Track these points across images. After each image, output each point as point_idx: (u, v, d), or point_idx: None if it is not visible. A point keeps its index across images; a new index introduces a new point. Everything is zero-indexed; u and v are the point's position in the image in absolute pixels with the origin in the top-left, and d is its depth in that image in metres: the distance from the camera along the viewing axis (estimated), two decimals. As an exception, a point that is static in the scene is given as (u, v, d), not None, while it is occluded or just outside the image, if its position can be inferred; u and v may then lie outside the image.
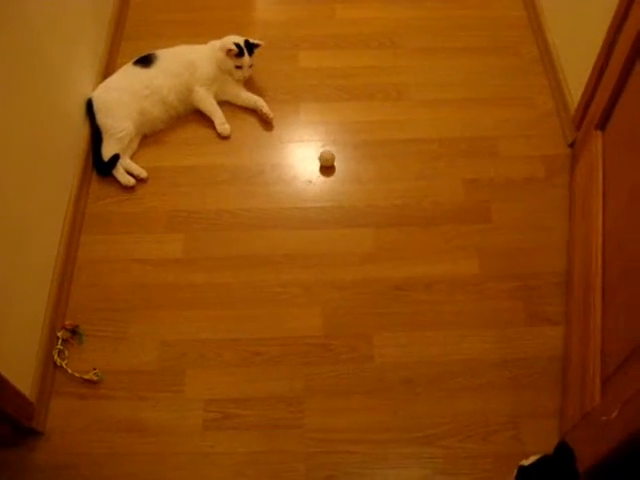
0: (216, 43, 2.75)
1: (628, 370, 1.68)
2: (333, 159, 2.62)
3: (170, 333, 2.27)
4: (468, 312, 2.29)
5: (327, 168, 2.64)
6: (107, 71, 2.85)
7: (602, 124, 2.39)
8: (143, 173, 2.59)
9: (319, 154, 2.62)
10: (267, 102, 2.77)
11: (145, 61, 2.71)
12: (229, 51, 2.70)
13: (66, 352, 2.22)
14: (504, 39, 3.03)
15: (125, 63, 2.78)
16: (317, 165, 2.64)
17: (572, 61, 2.71)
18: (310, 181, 2.60)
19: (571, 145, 2.66)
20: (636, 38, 2.10)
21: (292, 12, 3.17)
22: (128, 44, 3.03)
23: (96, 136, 2.62)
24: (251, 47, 2.74)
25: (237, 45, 2.70)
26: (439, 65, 2.95)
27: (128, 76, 2.70)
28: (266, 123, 2.75)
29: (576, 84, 2.62)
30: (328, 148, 2.66)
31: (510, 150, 2.67)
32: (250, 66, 2.76)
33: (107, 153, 2.58)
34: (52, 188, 2.37)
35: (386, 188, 2.57)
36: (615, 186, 2.17)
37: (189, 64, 2.73)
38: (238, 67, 2.74)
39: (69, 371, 2.17)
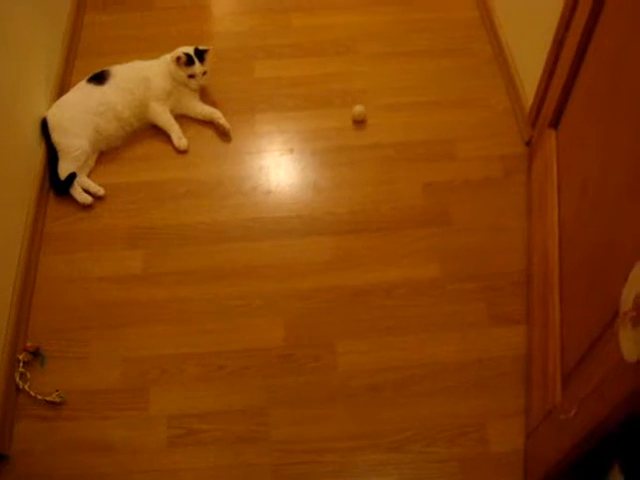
0: (167, 57, 2.74)
1: (586, 366, 1.69)
2: (365, 113, 2.76)
3: (132, 350, 2.25)
4: (430, 315, 2.29)
5: (359, 122, 2.78)
6: (62, 89, 2.83)
7: (555, 122, 2.41)
8: (100, 191, 2.57)
9: (352, 109, 2.76)
10: (224, 114, 2.76)
11: (99, 78, 2.69)
12: (178, 59, 2.69)
13: (28, 374, 2.19)
14: (458, 40, 3.05)
15: (80, 80, 2.76)
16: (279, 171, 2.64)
17: (525, 60, 2.73)
18: (269, 191, 2.59)
19: (528, 143, 2.68)
20: (582, 36, 2.12)
21: (247, 23, 3.16)
22: (82, 62, 3.02)
23: (52, 155, 2.60)
24: (201, 54, 2.73)
25: (186, 54, 2.69)
26: (395, 69, 2.96)
27: (82, 94, 2.69)
28: (223, 135, 2.75)
29: (530, 83, 2.64)
30: (360, 105, 2.78)
31: (468, 151, 2.68)
32: (203, 73, 2.75)
33: (63, 172, 2.56)
34: (9, 209, 2.34)
35: (344, 195, 2.57)
36: (568, 182, 2.19)
37: (143, 79, 2.72)
38: (191, 76, 2.73)
39: (32, 394, 2.15)
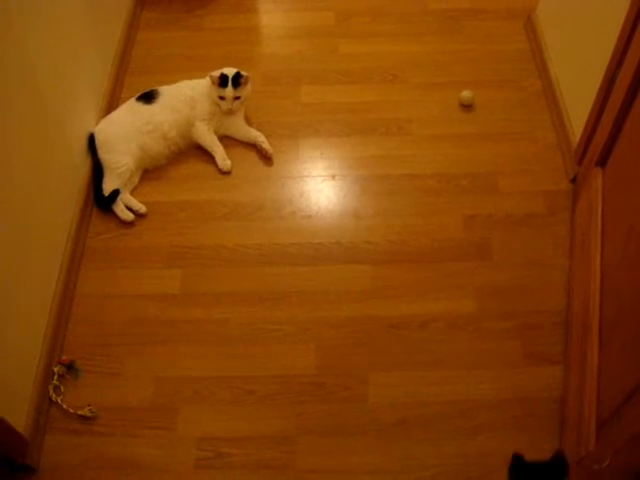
0: None
1: (621, 417, 1.65)
2: (472, 98, 2.90)
3: (165, 369, 2.26)
4: (465, 352, 2.26)
5: (467, 106, 2.90)
6: (110, 106, 2.88)
7: (602, 161, 2.38)
8: (142, 209, 2.60)
9: (460, 94, 2.90)
10: (267, 137, 2.78)
11: (147, 97, 2.73)
12: (212, 79, 2.71)
13: (62, 387, 2.22)
14: (506, 72, 3.03)
15: (129, 98, 2.81)
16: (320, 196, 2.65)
17: (575, 95, 2.70)
18: (309, 216, 2.60)
19: (572, 181, 2.64)
20: (635, 75, 2.09)
21: (295, 47, 3.18)
22: (132, 79, 3.06)
23: (97, 171, 2.64)
24: (237, 79, 2.71)
25: (222, 75, 2.70)
26: (440, 100, 2.94)
27: (130, 112, 2.73)
28: (266, 158, 2.76)
29: (578, 119, 2.60)
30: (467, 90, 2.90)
31: (511, 185, 2.66)
32: (236, 98, 2.73)
33: (107, 188, 2.60)
34: (52, 222, 2.39)
35: (384, 224, 2.56)
36: (613, 226, 2.15)
37: (189, 99, 2.75)
38: (221, 98, 2.73)
39: (64, 407, 2.17)
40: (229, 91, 2.71)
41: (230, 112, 2.77)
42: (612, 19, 2.24)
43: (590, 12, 2.53)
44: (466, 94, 2.89)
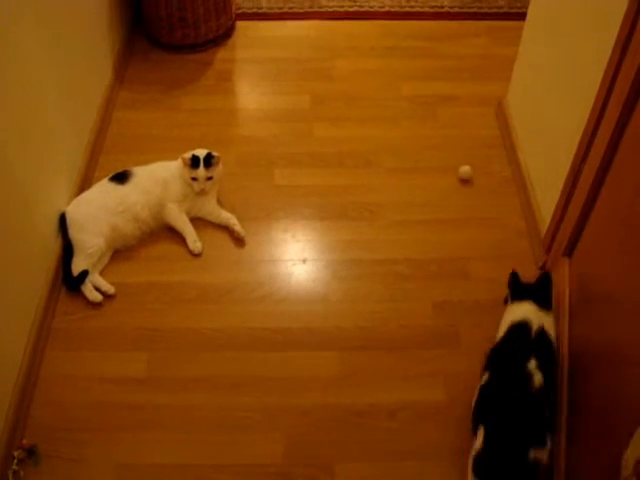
0: None
1: None
2: (471, 173, 2.97)
3: (127, 456, 2.21)
4: (433, 442, 2.23)
5: (465, 181, 2.97)
6: (84, 184, 2.88)
7: (569, 251, 2.41)
8: (111, 290, 2.58)
9: (459, 169, 2.97)
10: (240, 219, 2.79)
11: (120, 178, 2.75)
12: (184, 160, 2.73)
13: (21, 472, 2.15)
14: (477, 159, 3.07)
15: (103, 176, 2.82)
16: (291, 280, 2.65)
17: (543, 183, 2.75)
18: (279, 300, 2.59)
19: (542, 268, 2.66)
20: (598, 170, 2.14)
21: (270, 129, 3.23)
22: (107, 158, 3.08)
23: (67, 250, 2.63)
24: (209, 160, 2.74)
25: (193, 156, 2.73)
26: (412, 185, 2.99)
27: (103, 192, 2.73)
28: (238, 241, 2.77)
29: (547, 207, 2.65)
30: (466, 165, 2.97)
31: (480, 272, 2.68)
32: (208, 178, 2.75)
33: (76, 268, 2.58)
34: (19, 301, 2.36)
35: (354, 309, 2.56)
36: (582, 313, 2.17)
37: (162, 181, 2.77)
38: (193, 179, 2.75)
39: (22, 494, 2.11)
40: (201, 172, 2.73)
41: (203, 192, 2.78)
42: (579, 108, 2.31)
43: (557, 102, 2.61)
44: (464, 169, 2.96)
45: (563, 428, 2.05)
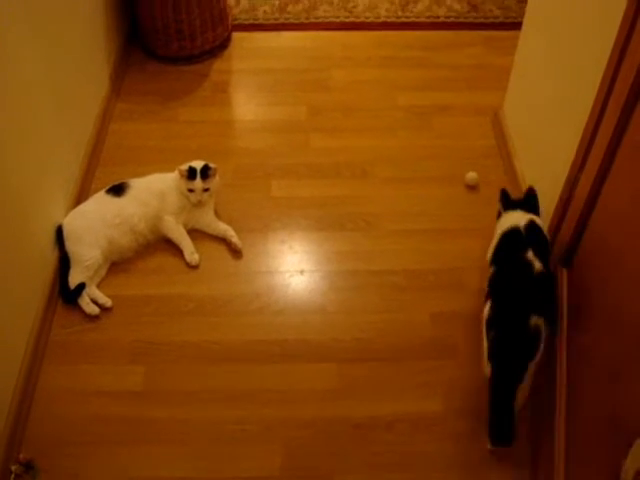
0: None
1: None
2: (477, 179, 2.99)
3: (125, 470, 2.20)
4: (431, 452, 2.23)
5: (472, 187, 2.99)
6: (80, 197, 2.88)
7: (567, 261, 2.41)
8: (108, 302, 2.58)
9: (465, 176, 3.00)
10: (237, 231, 2.79)
11: (117, 190, 2.75)
12: (180, 172, 2.73)
13: (18, 487, 2.15)
14: (474, 168, 3.06)
15: (100, 188, 2.82)
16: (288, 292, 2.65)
17: (540, 192, 2.72)
18: (277, 312, 2.59)
19: (539, 278, 2.66)
20: (595, 179, 2.14)
21: (267, 140, 3.23)
22: (104, 170, 3.08)
23: (64, 263, 2.63)
24: (206, 171, 2.75)
25: (190, 168, 2.73)
26: (409, 195, 2.99)
27: (100, 204, 2.74)
28: (235, 252, 2.77)
29: (544, 216, 2.64)
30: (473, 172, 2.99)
31: (477, 282, 2.67)
32: (205, 190, 2.75)
33: (73, 281, 2.58)
34: (16, 314, 2.36)
35: (351, 321, 2.56)
36: (577, 328, 2.17)
37: (159, 193, 2.77)
38: (190, 190, 2.75)
39: (19, 509, 2.10)
40: (198, 183, 2.73)
41: (200, 204, 2.78)
42: (575, 118, 2.31)
43: (553, 112, 2.61)
44: (471, 175, 2.99)
45: (562, 438, 2.05)
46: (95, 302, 2.58)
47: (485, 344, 2.21)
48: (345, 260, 2.75)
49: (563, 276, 2.40)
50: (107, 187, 2.79)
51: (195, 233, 2.82)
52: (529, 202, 2.47)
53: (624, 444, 1.42)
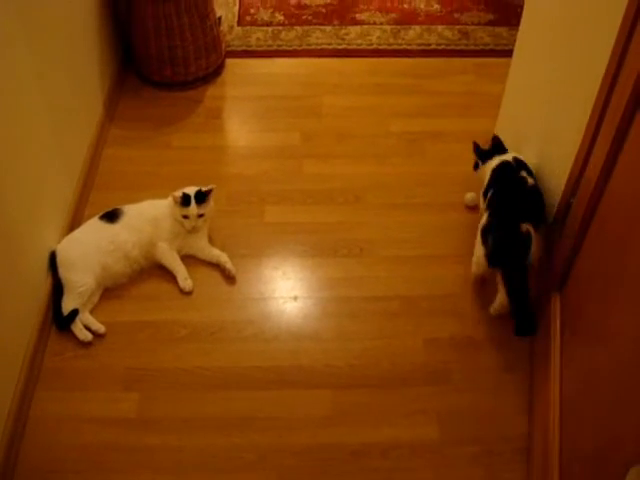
0: None
1: None
2: (476, 199, 2.97)
3: (118, 500, 2.19)
4: (428, 479, 2.23)
5: (471, 208, 3.02)
6: (74, 222, 2.88)
7: (559, 286, 2.42)
8: (101, 329, 2.57)
9: (464, 196, 3.05)
10: (230, 257, 2.79)
11: (111, 216, 2.75)
12: (175, 199, 2.73)
13: (10, 517, 2.13)
14: (465, 195, 3.08)
15: (93, 214, 2.82)
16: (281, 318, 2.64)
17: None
18: (270, 338, 2.58)
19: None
20: (588, 205, 2.16)
21: (260, 166, 3.24)
22: (97, 195, 3.08)
23: (57, 289, 2.62)
24: (202, 196, 2.75)
25: (184, 194, 2.73)
26: (402, 221, 2.99)
27: (93, 231, 2.73)
28: (229, 278, 2.76)
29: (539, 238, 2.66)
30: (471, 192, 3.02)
31: (471, 308, 2.68)
32: (200, 216, 2.75)
33: (67, 307, 2.57)
34: (8, 341, 2.34)
35: (345, 347, 2.55)
36: (571, 357, 2.17)
37: (152, 219, 2.77)
38: (185, 217, 2.74)
39: (10, 540, 2.08)
40: (192, 209, 2.73)
41: (195, 230, 2.79)
42: (566, 144, 2.34)
43: (544, 138, 2.64)
44: (470, 196, 3.03)
45: (555, 471, 2.04)
46: (88, 328, 2.57)
47: (478, 249, 2.57)
48: (338, 286, 2.75)
49: (556, 301, 2.41)
50: (101, 213, 2.79)
51: (188, 259, 2.82)
52: (500, 147, 2.79)
53: (619, 473, 1.42)
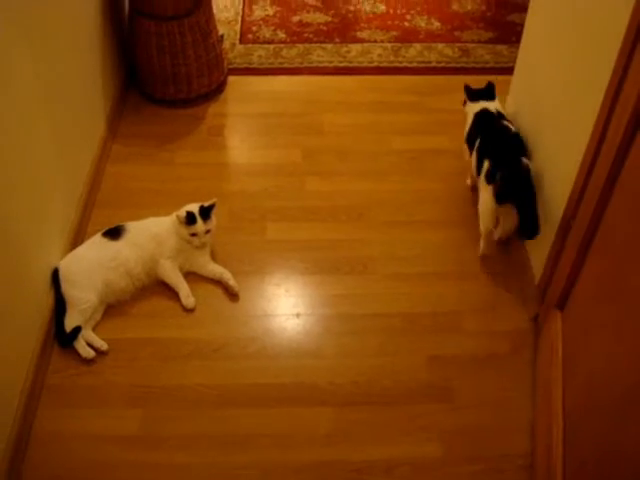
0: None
1: None
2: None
3: (121, 519, 2.18)
4: (430, 499, 2.23)
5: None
6: (76, 239, 2.88)
7: (561, 304, 2.42)
8: (104, 346, 2.57)
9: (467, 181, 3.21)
10: (232, 274, 2.79)
11: (114, 233, 2.76)
12: (179, 219, 2.74)
13: (12, 536, 2.13)
14: (467, 211, 3.10)
15: (96, 231, 2.83)
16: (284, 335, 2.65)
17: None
18: (273, 356, 2.58)
19: (534, 319, 2.67)
20: (590, 221, 2.16)
21: (262, 183, 3.25)
22: (100, 212, 3.09)
23: (60, 306, 2.62)
24: (206, 211, 2.77)
25: (188, 213, 2.73)
26: (404, 239, 3.00)
27: (96, 248, 2.74)
28: (232, 295, 2.77)
29: (539, 259, 2.67)
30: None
31: (474, 325, 2.69)
32: (207, 232, 2.77)
33: (69, 324, 2.57)
34: (11, 358, 2.33)
35: (347, 364, 2.55)
36: (574, 371, 2.17)
37: (155, 236, 2.78)
38: (193, 235, 2.76)
39: None
40: (200, 226, 2.74)
41: (203, 246, 2.80)
42: (567, 163, 2.35)
43: (544, 156, 2.66)
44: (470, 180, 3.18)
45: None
46: (91, 345, 2.57)
47: (485, 199, 2.76)
48: (341, 303, 2.76)
49: (557, 318, 2.41)
50: (103, 230, 2.80)
51: (191, 276, 2.83)
52: (490, 92, 3.00)
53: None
